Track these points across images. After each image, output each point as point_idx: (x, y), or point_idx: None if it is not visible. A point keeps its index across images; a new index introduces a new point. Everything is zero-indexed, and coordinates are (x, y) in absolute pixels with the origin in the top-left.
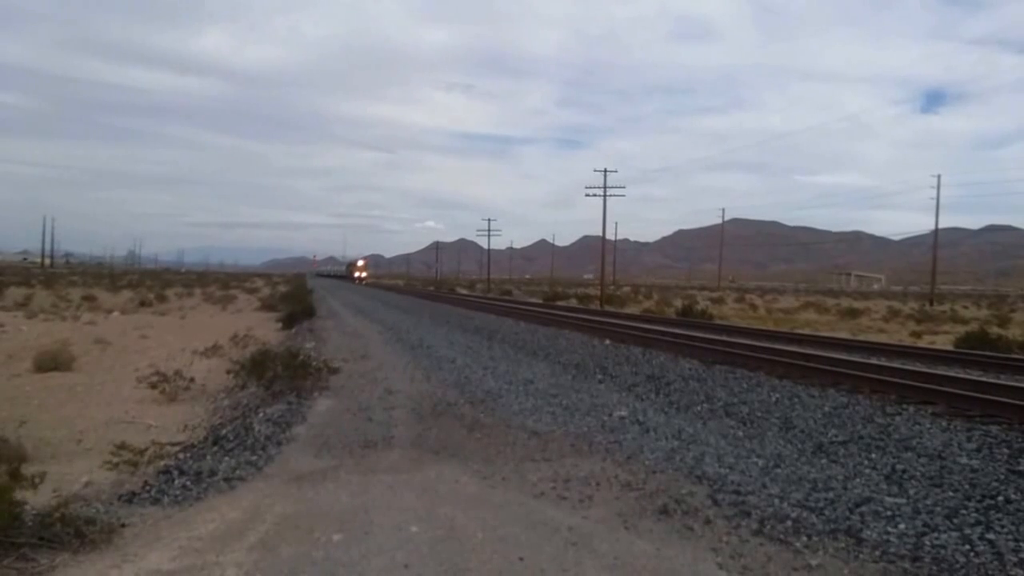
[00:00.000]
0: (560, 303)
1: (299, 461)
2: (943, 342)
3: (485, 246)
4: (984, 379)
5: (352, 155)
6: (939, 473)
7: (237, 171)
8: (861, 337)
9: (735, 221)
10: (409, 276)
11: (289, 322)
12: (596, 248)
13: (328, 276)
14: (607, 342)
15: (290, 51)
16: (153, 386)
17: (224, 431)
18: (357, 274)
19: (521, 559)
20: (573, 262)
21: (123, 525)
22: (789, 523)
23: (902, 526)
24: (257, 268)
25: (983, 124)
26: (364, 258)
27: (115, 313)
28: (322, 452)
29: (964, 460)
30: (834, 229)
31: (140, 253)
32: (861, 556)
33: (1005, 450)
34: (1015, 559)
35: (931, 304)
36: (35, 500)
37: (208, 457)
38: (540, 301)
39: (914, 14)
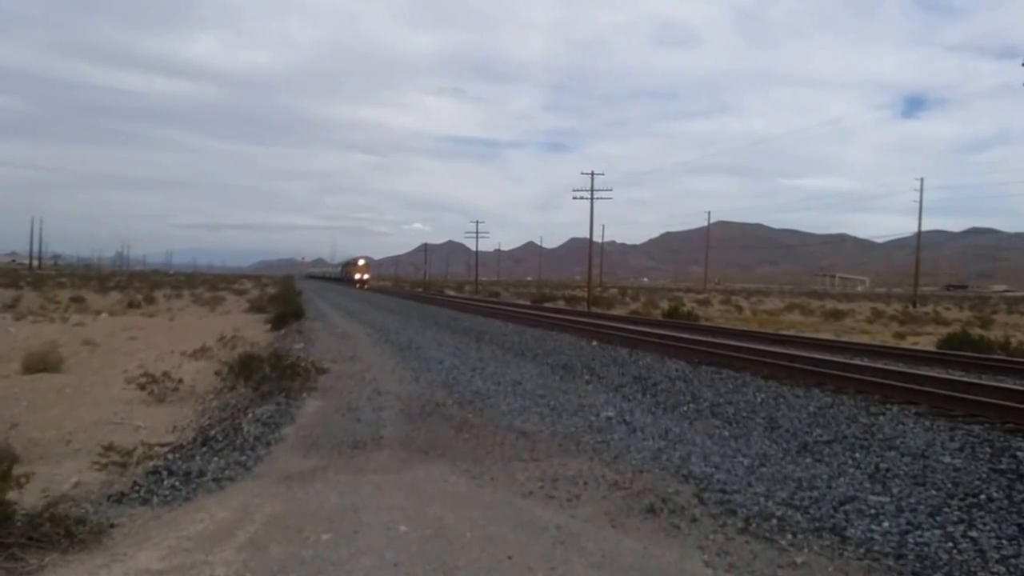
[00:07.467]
0: (548, 305)
1: (288, 461)
2: (926, 343)
3: (473, 248)
4: (966, 379)
5: (341, 158)
6: (922, 472)
7: (226, 174)
8: (845, 338)
9: (720, 224)
10: (397, 278)
11: (278, 324)
12: (583, 250)
13: (319, 278)
14: (594, 343)
15: (281, 55)
16: (142, 387)
17: (213, 432)
18: (358, 276)
19: (510, 558)
20: (561, 264)
21: (112, 525)
22: (774, 521)
23: (886, 524)
24: (245, 270)
25: (964, 129)
26: (364, 258)
27: (103, 315)
28: (311, 452)
29: (947, 459)
30: (818, 232)
31: (128, 255)
32: (846, 554)
33: (987, 449)
34: (997, 556)
35: (914, 306)
36: (25, 500)
37: (197, 458)
38: (528, 303)
39: (895, 20)
